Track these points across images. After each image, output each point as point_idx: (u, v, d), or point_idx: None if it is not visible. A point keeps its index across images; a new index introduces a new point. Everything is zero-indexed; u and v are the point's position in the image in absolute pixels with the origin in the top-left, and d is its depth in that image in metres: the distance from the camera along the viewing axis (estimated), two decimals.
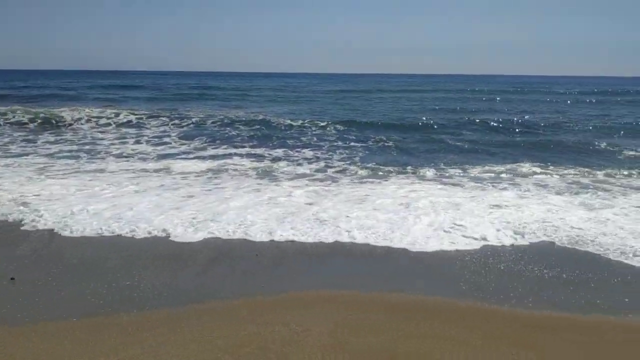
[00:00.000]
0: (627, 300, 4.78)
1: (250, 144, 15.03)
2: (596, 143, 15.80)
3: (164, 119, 19.79)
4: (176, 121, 19.25)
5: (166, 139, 15.63)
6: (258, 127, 18.30)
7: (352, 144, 15.32)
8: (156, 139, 15.58)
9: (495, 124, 20.14)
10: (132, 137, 15.85)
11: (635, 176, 11.22)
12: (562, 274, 5.41)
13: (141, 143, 14.90)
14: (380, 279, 5.29)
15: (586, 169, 11.82)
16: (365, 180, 10.31)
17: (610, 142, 16.03)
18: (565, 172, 11.57)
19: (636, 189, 9.86)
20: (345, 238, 6.47)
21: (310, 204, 8.13)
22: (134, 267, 5.43)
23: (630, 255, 5.98)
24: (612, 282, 5.23)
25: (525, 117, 23.01)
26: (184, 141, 15.34)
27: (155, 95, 33.21)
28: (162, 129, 17.89)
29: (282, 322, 4.15)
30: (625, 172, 11.56)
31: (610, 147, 15.17)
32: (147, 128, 18.07)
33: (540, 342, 3.91)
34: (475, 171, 11.48)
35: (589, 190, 9.60)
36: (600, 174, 11.30)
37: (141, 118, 19.87)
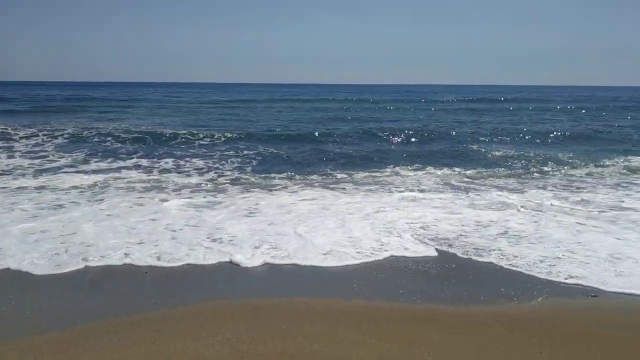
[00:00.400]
0: (502, 290, 5.26)
1: (137, 155, 14.47)
2: (469, 146, 17.13)
3: (33, 130, 18.38)
4: (49, 133, 17.88)
5: (43, 153, 14.57)
6: (144, 138, 17.59)
7: (244, 152, 15.31)
8: (32, 153, 14.46)
9: (378, 132, 20.98)
10: (2, 152, 14.62)
11: (501, 174, 12.36)
12: (444, 272, 5.82)
13: (15, 157, 13.80)
14: (274, 289, 5.34)
15: (462, 170, 12.86)
16: (256, 189, 10.34)
17: (480, 145, 17.55)
18: (443, 173, 12.48)
19: (498, 187, 10.85)
20: (236, 252, 6.34)
21: (200, 217, 7.99)
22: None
23: (497, 252, 6.54)
24: (487, 277, 5.72)
25: (406, 124, 24.28)
26: (62, 154, 14.38)
27: (25, 108, 30.74)
28: (34, 141, 16.56)
29: (179, 338, 4.09)
30: (494, 171, 12.82)
31: (481, 149, 16.59)
32: (16, 141, 16.61)
33: (428, 336, 4.19)
34: (360, 177, 12.00)
35: (462, 191, 10.43)
36: (472, 174, 12.35)
37: (6, 129, 18.37)
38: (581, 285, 5.40)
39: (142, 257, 6.10)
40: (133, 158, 13.97)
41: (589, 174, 12.82)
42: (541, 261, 6.10)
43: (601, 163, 14.52)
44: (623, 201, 9.47)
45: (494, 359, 3.85)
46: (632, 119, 29.97)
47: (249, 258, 6.15)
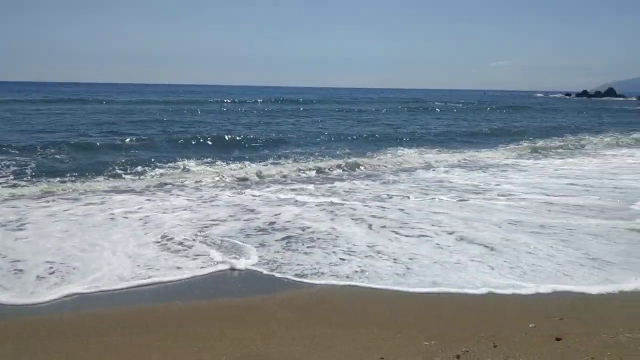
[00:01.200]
0: (290, 283, 5.65)
1: None
2: (262, 150, 17.52)
3: None
4: None
5: None
6: None
7: (17, 158, 13.57)
8: None
9: (174, 134, 20.52)
10: None
11: (292, 171, 12.99)
12: (228, 268, 5.98)
13: None
14: (55, 310, 4.87)
15: (255, 167, 13.38)
16: (33, 198, 9.48)
17: (273, 144, 18.66)
18: (237, 169, 12.96)
19: (289, 184, 11.50)
20: (12, 279, 5.45)
21: None
22: None
23: (289, 252, 6.83)
24: (276, 279, 5.86)
25: (200, 126, 24.29)
26: None
27: None
28: None
29: None
30: (285, 168, 13.43)
31: (273, 148, 17.59)
32: None
33: (233, 329, 4.34)
34: (151, 178, 11.79)
35: (255, 187, 10.92)
36: (264, 171, 12.79)
37: None
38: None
39: None
40: None
41: (367, 168, 14.20)
42: (300, 264, 6.07)
43: (375, 157, 16.07)
44: (391, 190, 10.71)
45: (289, 340, 4.19)
46: (402, 119, 34.44)
47: (26, 287, 5.25)
